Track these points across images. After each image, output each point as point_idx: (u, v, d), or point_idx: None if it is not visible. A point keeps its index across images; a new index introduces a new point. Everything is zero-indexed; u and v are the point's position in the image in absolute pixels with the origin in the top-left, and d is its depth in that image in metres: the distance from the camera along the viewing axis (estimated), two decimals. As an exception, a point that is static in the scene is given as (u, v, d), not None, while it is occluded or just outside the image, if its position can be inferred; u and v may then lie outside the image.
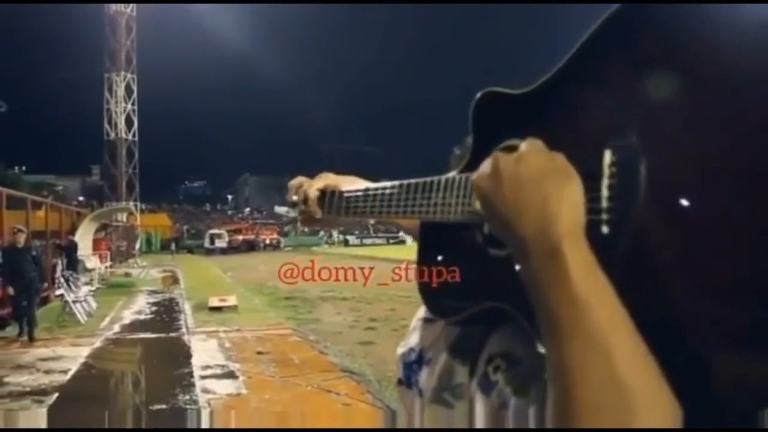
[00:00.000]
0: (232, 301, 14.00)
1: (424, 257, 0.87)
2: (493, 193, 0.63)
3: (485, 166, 0.66)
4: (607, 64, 0.64)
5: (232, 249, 52.22)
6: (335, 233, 67.93)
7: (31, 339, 10.37)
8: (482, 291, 0.75)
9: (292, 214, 1.18)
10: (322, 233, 70.76)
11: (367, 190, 0.98)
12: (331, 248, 40.06)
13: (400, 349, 0.96)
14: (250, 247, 55.35)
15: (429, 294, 0.84)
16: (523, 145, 0.64)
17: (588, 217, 0.60)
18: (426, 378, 0.87)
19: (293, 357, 8.67)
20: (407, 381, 0.92)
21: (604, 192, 0.61)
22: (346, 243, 62.01)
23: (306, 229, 70.97)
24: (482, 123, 0.79)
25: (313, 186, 1.08)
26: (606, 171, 0.61)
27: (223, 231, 57.22)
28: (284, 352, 9.07)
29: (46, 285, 11.74)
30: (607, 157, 0.61)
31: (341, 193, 1.03)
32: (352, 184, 1.04)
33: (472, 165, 0.73)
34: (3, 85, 47.68)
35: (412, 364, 0.92)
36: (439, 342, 0.88)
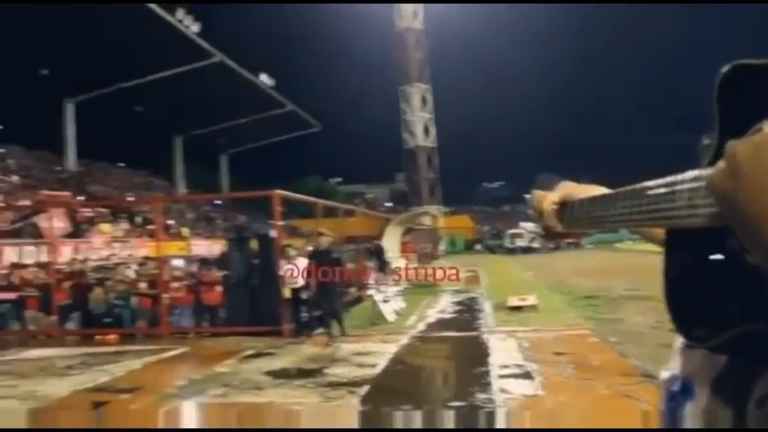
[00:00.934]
0: (531, 300, 13.98)
1: (671, 270, 0.76)
2: (731, 191, 0.52)
3: (721, 160, 0.55)
4: None
5: (532, 248, 52.10)
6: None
7: (343, 334, 11.12)
8: (739, 311, 0.62)
9: (537, 228, 1.13)
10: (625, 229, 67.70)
11: (604, 197, 0.88)
12: (634, 244, 38.12)
13: (664, 374, 0.86)
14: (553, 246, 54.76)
15: (678, 313, 0.73)
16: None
17: None
18: (691, 417, 0.76)
19: (592, 359, 8.41)
20: (671, 414, 0.81)
21: None
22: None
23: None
24: (730, 104, 0.66)
25: (549, 199, 1.02)
26: None
27: (523, 230, 57.25)
28: (583, 353, 8.84)
29: (352, 288, 12.37)
30: None
31: (580, 202, 0.95)
32: (592, 192, 0.95)
33: (719, 155, 0.60)
34: (316, 106, 53.38)
35: (677, 394, 0.81)
36: (702, 373, 0.75)
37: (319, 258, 11.38)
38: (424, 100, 65.65)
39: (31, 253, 19.17)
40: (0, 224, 24.22)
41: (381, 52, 71.28)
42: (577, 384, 7.14)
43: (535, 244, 49.02)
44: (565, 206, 0.98)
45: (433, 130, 66.42)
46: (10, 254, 19.34)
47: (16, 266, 16.23)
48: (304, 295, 11.92)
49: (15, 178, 34.33)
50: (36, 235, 21.79)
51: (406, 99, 65.70)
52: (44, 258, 16.34)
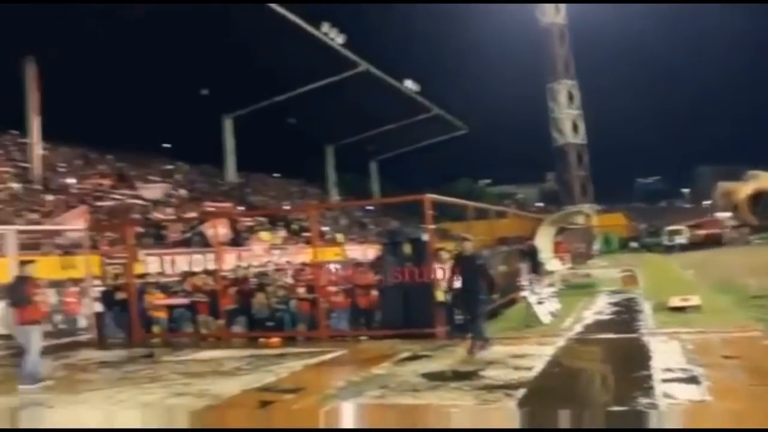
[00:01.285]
0: (694, 300, 13.30)
1: None
2: None
3: None
4: None
5: (693, 245, 49.31)
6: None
7: (471, 350, 10.13)
8: None
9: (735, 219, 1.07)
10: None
11: None
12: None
13: None
14: (714, 242, 51.60)
15: None
16: None
17: None
18: None
19: (765, 363, 7.91)
20: None
21: None
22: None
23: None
24: None
25: (742, 192, 0.97)
26: None
27: (682, 227, 54.37)
28: (754, 357, 8.30)
29: (495, 296, 11.62)
30: None
31: None
32: None
33: None
34: (462, 109, 53.49)
35: None
36: None
37: (463, 264, 10.83)
38: (570, 96, 64.00)
39: (199, 261, 20.48)
40: (172, 235, 26.03)
41: (524, 50, 70.13)
42: (749, 390, 6.73)
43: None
44: (759, 197, 0.93)
45: (582, 127, 64.64)
46: (182, 263, 20.77)
47: (187, 274, 17.41)
48: (447, 299, 11.77)
49: (183, 192, 36.77)
50: (203, 244, 23.25)
51: (553, 96, 64.33)
52: (211, 266, 17.42)
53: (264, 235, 29.63)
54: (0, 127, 33.44)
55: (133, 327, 14.82)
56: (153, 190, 33.69)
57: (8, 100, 29.93)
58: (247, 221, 31.08)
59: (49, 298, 15.02)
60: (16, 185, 28.29)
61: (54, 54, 28.13)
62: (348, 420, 7.01)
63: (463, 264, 10.76)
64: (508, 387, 7.59)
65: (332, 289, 13.94)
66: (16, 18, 24.44)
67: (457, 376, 8.51)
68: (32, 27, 25.51)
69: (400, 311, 12.41)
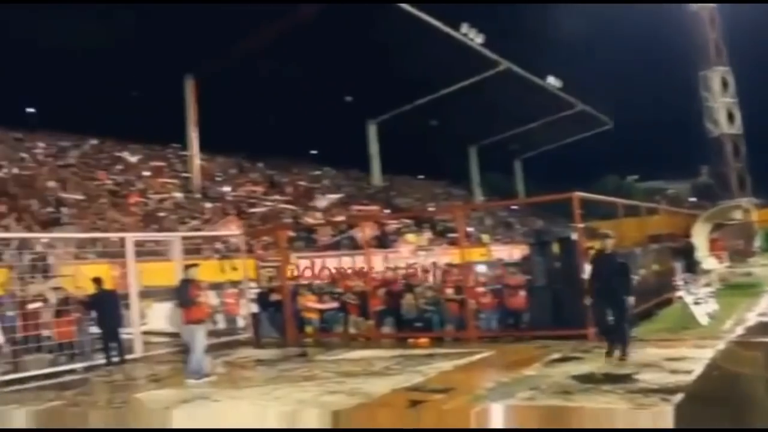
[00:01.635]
0: None
1: None
2: None
3: None
4: None
5: None
6: None
7: (622, 352, 9.58)
8: None
9: None
10: None
11: None
12: None
13: None
14: None
15: None
16: None
17: None
18: None
19: None
20: None
21: None
22: None
23: None
24: None
25: None
26: None
27: None
28: None
29: (632, 300, 10.30)
30: None
31: None
32: None
33: None
34: (608, 103, 51.87)
35: None
36: None
37: (602, 262, 10.03)
38: (724, 84, 60.14)
39: (348, 264, 21.06)
40: (322, 238, 26.98)
41: (671, 37, 66.42)
42: None
43: None
44: None
45: (738, 116, 60.65)
46: (332, 265, 21.43)
47: (338, 276, 17.97)
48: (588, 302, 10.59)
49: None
50: (351, 246, 23.89)
51: (706, 84, 60.75)
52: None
53: (410, 236, 30.07)
54: (163, 142, 36.05)
55: (287, 327, 15.46)
56: (322, 200, 35.54)
57: (170, 117, 32.23)
58: (394, 223, 31.62)
59: (210, 299, 16.02)
60: (178, 195, 30.31)
61: (208, 71, 30.00)
62: (499, 421, 7.00)
63: (603, 262, 10.00)
64: (664, 391, 7.30)
65: (480, 289, 13.94)
66: (177, 39, 26.21)
67: (610, 378, 8.28)
68: (190, 47, 27.30)
69: (549, 312, 12.25)
